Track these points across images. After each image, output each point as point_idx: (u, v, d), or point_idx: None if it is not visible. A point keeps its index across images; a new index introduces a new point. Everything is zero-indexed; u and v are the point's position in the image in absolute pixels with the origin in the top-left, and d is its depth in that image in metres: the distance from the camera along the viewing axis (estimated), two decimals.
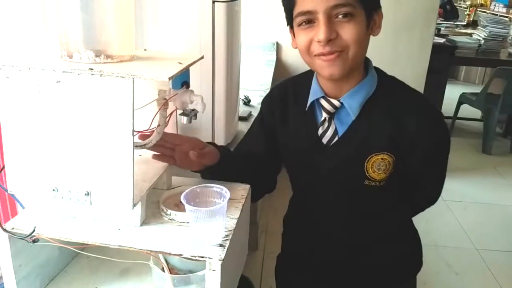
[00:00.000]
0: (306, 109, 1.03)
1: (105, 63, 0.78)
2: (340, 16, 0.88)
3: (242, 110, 1.91)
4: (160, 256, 0.86)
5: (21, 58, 0.78)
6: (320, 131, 1.02)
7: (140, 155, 0.97)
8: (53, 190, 0.80)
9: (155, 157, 0.95)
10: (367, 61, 1.00)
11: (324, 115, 1.00)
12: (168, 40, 1.37)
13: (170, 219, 0.87)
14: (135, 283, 0.94)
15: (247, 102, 2.06)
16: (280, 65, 2.91)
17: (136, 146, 0.87)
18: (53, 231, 0.82)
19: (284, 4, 0.96)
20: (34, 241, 0.81)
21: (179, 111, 0.92)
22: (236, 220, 0.87)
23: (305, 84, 1.05)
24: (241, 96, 1.99)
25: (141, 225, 0.85)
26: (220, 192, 0.84)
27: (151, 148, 0.93)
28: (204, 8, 1.31)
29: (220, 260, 0.76)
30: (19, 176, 0.81)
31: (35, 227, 0.80)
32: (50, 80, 0.74)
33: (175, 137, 0.98)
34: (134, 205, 0.79)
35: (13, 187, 0.82)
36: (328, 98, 0.99)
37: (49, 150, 0.78)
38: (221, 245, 0.79)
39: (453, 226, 2.85)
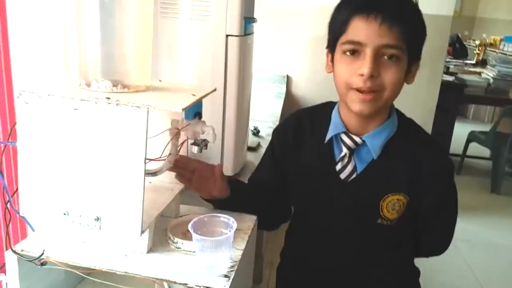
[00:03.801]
0: (325, 142, 1.02)
1: (121, 92, 0.81)
2: (385, 57, 0.89)
3: (251, 140, 1.93)
4: (165, 284, 0.86)
5: (41, 85, 0.81)
6: (338, 166, 1.01)
7: (150, 182, 0.99)
8: (64, 214, 0.82)
9: (176, 177, 0.97)
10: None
11: (345, 150, 1.00)
12: (182, 71, 1.40)
13: (176, 247, 0.88)
14: None
15: (256, 132, 2.08)
16: (289, 98, 2.95)
17: (147, 173, 0.88)
18: (61, 255, 0.83)
19: (332, 28, 0.96)
20: (42, 264, 0.82)
21: (190, 141, 0.94)
22: (242, 251, 0.87)
23: (322, 117, 1.05)
24: (251, 126, 2.02)
25: (147, 252, 0.86)
26: (227, 222, 0.85)
27: (173, 169, 0.95)
28: (217, 42, 1.35)
29: None
30: (31, 199, 0.83)
31: (44, 250, 0.82)
32: (68, 107, 0.77)
33: (198, 163, 0.99)
34: (142, 231, 0.80)
35: (25, 210, 0.84)
36: (350, 134, 1.00)
37: (62, 175, 0.80)
38: (226, 276, 0.80)
39: (460, 266, 2.80)
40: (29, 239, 0.86)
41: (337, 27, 0.94)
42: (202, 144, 0.91)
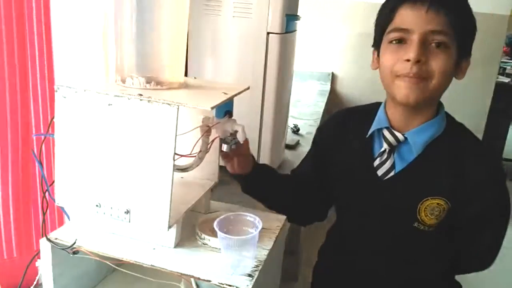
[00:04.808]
0: (367, 136, 1.01)
1: (154, 89, 0.82)
2: (433, 44, 0.87)
3: (290, 138, 1.92)
4: (192, 279, 0.87)
5: (78, 80, 0.83)
6: (377, 162, 0.99)
7: (182, 178, 1.00)
8: (96, 205, 0.85)
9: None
10: (439, 103, 0.98)
11: (385, 146, 0.98)
12: (223, 67, 1.41)
13: (203, 244, 0.89)
14: None
15: (296, 130, 2.07)
16: (333, 96, 2.91)
17: (177, 169, 0.90)
18: (92, 245, 0.85)
19: (379, 19, 0.96)
20: (74, 253, 0.85)
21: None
22: (268, 251, 0.87)
23: (368, 115, 1.03)
24: (290, 124, 2.01)
25: (175, 246, 0.87)
26: (253, 221, 0.85)
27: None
28: (258, 39, 1.35)
29: None
30: (66, 190, 0.86)
31: (76, 240, 0.85)
32: (102, 103, 0.79)
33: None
34: (170, 226, 0.81)
35: (60, 200, 0.88)
36: (392, 130, 0.97)
37: (96, 168, 0.83)
38: (250, 275, 0.79)
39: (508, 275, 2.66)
40: (63, 229, 0.90)
41: (384, 17, 0.93)
42: (232, 143, 0.91)
